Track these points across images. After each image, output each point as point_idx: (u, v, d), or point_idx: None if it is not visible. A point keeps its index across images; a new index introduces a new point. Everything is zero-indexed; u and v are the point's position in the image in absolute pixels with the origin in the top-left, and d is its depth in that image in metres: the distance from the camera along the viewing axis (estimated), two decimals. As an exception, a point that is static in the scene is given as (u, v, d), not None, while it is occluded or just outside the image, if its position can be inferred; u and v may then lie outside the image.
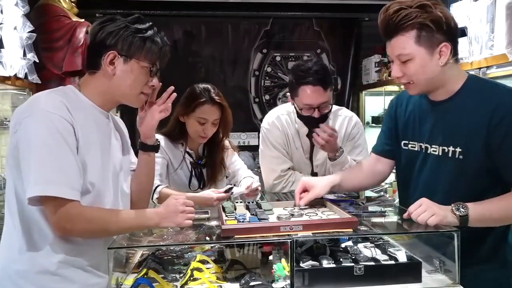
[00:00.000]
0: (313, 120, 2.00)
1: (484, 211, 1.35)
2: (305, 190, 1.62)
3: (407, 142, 1.59)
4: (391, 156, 1.71)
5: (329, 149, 2.01)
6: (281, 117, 2.21)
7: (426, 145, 1.51)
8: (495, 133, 1.35)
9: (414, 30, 1.35)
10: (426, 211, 1.33)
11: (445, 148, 1.45)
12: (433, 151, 1.48)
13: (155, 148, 1.54)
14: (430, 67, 1.38)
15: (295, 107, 2.08)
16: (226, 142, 2.25)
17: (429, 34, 1.35)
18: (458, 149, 1.41)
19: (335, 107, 2.26)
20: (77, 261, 1.31)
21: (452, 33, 1.38)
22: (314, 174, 2.19)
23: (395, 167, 1.73)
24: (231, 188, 1.92)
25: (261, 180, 2.24)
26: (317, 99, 1.95)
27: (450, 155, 1.43)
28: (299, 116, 2.07)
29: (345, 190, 1.81)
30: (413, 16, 1.34)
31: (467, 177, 1.42)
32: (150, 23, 1.38)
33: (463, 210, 1.33)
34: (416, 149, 1.55)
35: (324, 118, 2.02)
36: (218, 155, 2.19)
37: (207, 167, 2.19)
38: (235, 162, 2.28)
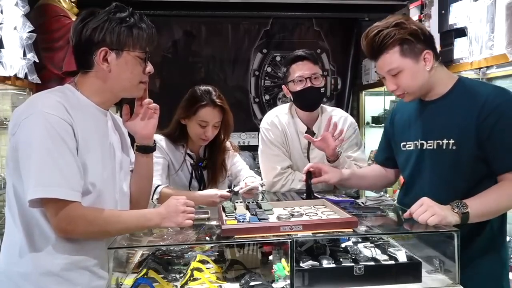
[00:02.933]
0: (307, 94, 2.11)
1: (482, 206, 1.41)
2: (312, 171, 1.80)
3: (405, 143, 1.66)
4: (391, 165, 1.82)
5: (328, 151, 1.99)
6: (279, 117, 2.24)
7: (422, 141, 1.58)
8: (483, 125, 1.44)
9: (397, 46, 1.48)
10: (427, 211, 1.36)
11: (440, 141, 1.53)
12: (429, 146, 1.56)
13: (155, 147, 1.54)
14: (419, 74, 1.50)
15: (290, 96, 2.17)
16: (228, 144, 2.25)
17: (411, 46, 1.48)
18: (451, 141, 1.50)
19: (329, 108, 2.31)
20: (81, 262, 1.30)
21: (430, 41, 1.52)
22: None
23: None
24: (232, 190, 1.94)
25: (262, 181, 2.24)
26: (307, 69, 2.12)
27: (444, 147, 1.52)
28: (296, 98, 2.16)
29: (350, 186, 1.96)
30: (393, 34, 1.47)
31: (461, 167, 1.49)
32: (130, 9, 1.34)
33: (462, 208, 1.37)
34: (412, 148, 1.62)
35: (318, 92, 2.13)
36: (219, 157, 2.18)
37: (208, 169, 2.18)
38: (237, 163, 2.28)
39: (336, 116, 2.23)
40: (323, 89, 2.15)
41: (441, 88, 1.55)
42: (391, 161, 1.79)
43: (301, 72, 2.11)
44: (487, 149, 1.45)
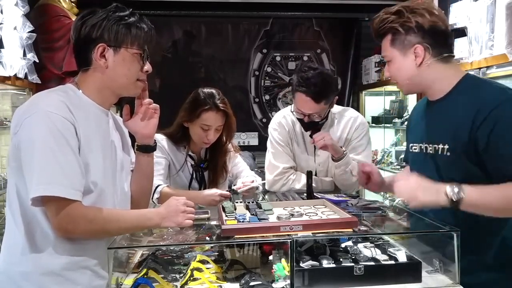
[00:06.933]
0: (303, 124, 2.12)
1: (481, 198, 1.27)
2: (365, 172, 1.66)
3: (412, 144, 1.59)
4: None
5: (331, 151, 2.07)
6: (287, 117, 2.27)
7: (425, 145, 1.50)
8: (481, 131, 1.31)
9: (389, 34, 1.45)
10: (409, 193, 1.31)
11: (436, 146, 1.44)
12: (430, 150, 1.48)
13: (155, 147, 1.54)
14: (405, 67, 1.44)
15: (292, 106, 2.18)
16: (229, 145, 2.25)
17: (400, 38, 1.43)
18: (446, 146, 1.40)
19: (340, 108, 2.31)
20: (81, 261, 1.30)
21: (430, 35, 1.40)
22: (315, 172, 2.22)
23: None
24: (232, 189, 1.94)
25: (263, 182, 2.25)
26: (307, 108, 2.04)
27: (439, 152, 1.42)
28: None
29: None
30: (385, 22, 1.45)
31: (458, 174, 1.35)
32: (130, 10, 1.36)
33: (457, 194, 1.25)
34: (417, 150, 1.55)
35: (314, 124, 2.10)
36: (220, 158, 2.18)
37: (209, 170, 2.18)
38: (238, 164, 2.28)
39: (346, 116, 2.26)
40: (323, 120, 2.12)
41: (441, 85, 1.43)
42: None
43: (301, 108, 2.05)
44: (485, 161, 1.32)
